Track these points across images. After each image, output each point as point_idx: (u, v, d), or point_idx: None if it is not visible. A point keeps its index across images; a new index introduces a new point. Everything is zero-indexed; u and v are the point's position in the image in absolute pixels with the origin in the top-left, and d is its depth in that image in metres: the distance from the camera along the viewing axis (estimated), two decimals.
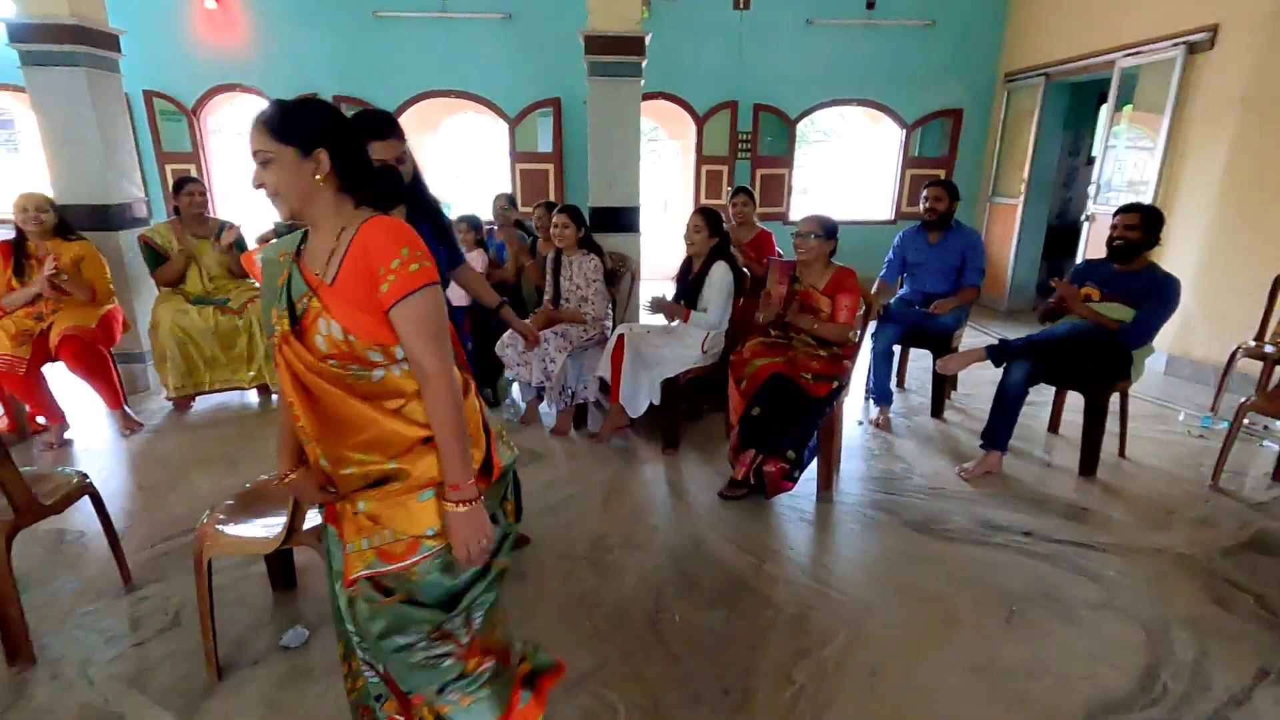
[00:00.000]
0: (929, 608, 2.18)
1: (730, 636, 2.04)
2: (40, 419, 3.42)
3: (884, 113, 7.09)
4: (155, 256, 3.73)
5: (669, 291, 3.50)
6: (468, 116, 7.69)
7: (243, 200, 7.14)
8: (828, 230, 2.85)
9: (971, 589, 2.27)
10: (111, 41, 3.89)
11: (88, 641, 2.01)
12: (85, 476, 2.13)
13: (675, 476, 3.12)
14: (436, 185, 2.23)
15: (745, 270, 3.61)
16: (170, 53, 6.38)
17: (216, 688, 1.83)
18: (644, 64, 3.86)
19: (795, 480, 2.68)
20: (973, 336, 5.35)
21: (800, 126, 7.16)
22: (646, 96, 4.09)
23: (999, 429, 3.04)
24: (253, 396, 4.02)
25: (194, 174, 6.62)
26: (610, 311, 3.68)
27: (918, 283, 3.81)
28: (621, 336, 3.26)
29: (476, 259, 4.20)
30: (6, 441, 1.87)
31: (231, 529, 1.84)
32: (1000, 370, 3.07)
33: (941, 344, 3.67)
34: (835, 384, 2.78)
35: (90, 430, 3.55)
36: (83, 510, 2.30)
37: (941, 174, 6.98)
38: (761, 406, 2.70)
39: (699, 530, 2.65)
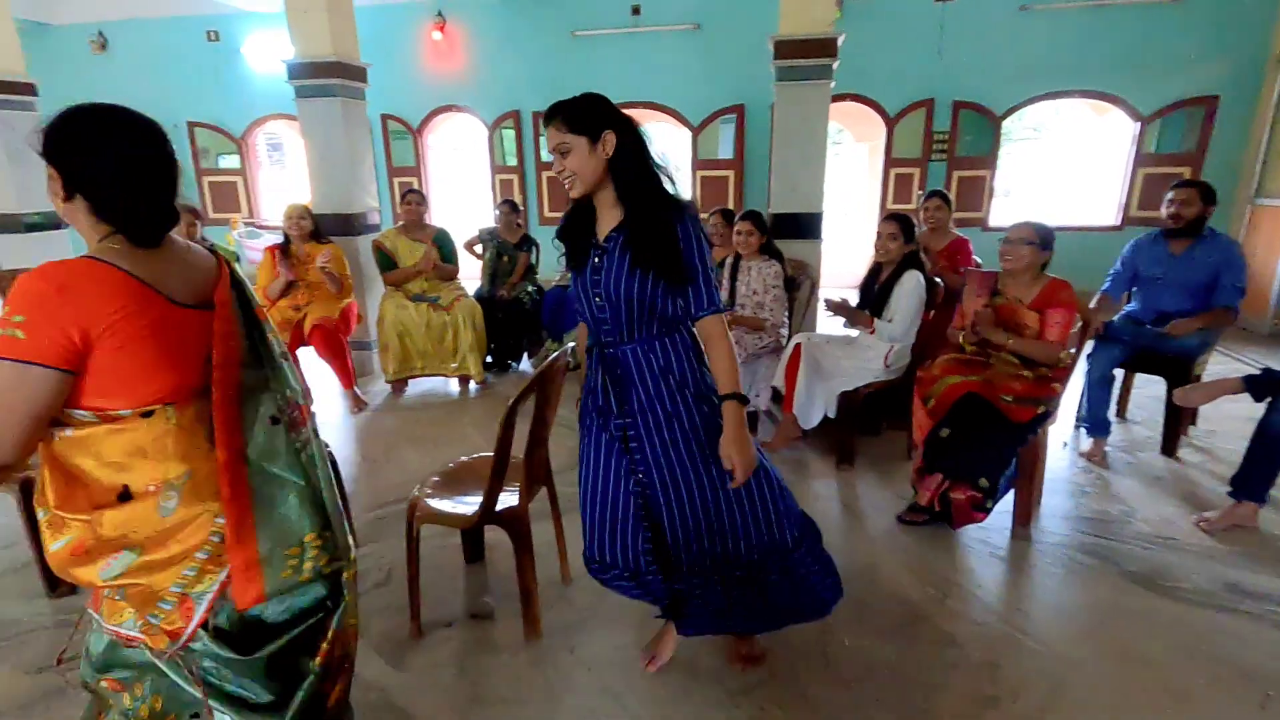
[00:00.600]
0: (1151, 676, 1.88)
1: (906, 671, 1.91)
2: None
3: (1113, 104, 6.25)
4: (385, 259, 4.29)
5: (847, 298, 3.35)
6: (651, 126, 7.96)
7: (455, 208, 7.98)
8: (1043, 239, 2.56)
9: (1209, 662, 1.93)
10: (361, 74, 4.53)
11: None
12: (327, 446, 2.50)
13: (849, 495, 2.98)
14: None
15: (937, 280, 3.37)
16: (402, 80, 7.30)
17: (418, 643, 2.06)
18: (835, 66, 3.74)
19: (987, 512, 2.44)
20: (1221, 363, 4.54)
21: (1006, 123, 6.53)
22: (834, 99, 3.96)
23: (1257, 476, 2.54)
24: (454, 385, 4.47)
25: (416, 185, 7.51)
26: (787, 319, 3.61)
27: (1151, 299, 3.29)
28: (799, 345, 3.19)
29: None
30: None
31: (437, 503, 2.06)
32: (1262, 406, 2.57)
33: (1178, 371, 3.14)
34: (1040, 409, 2.50)
35: (327, 406, 4.16)
36: None
37: (1186, 172, 6.01)
38: (951, 428, 2.50)
39: (873, 554, 2.51)
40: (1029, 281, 2.62)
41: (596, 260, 1.58)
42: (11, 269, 4.01)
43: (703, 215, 4.58)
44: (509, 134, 7.32)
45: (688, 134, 7.04)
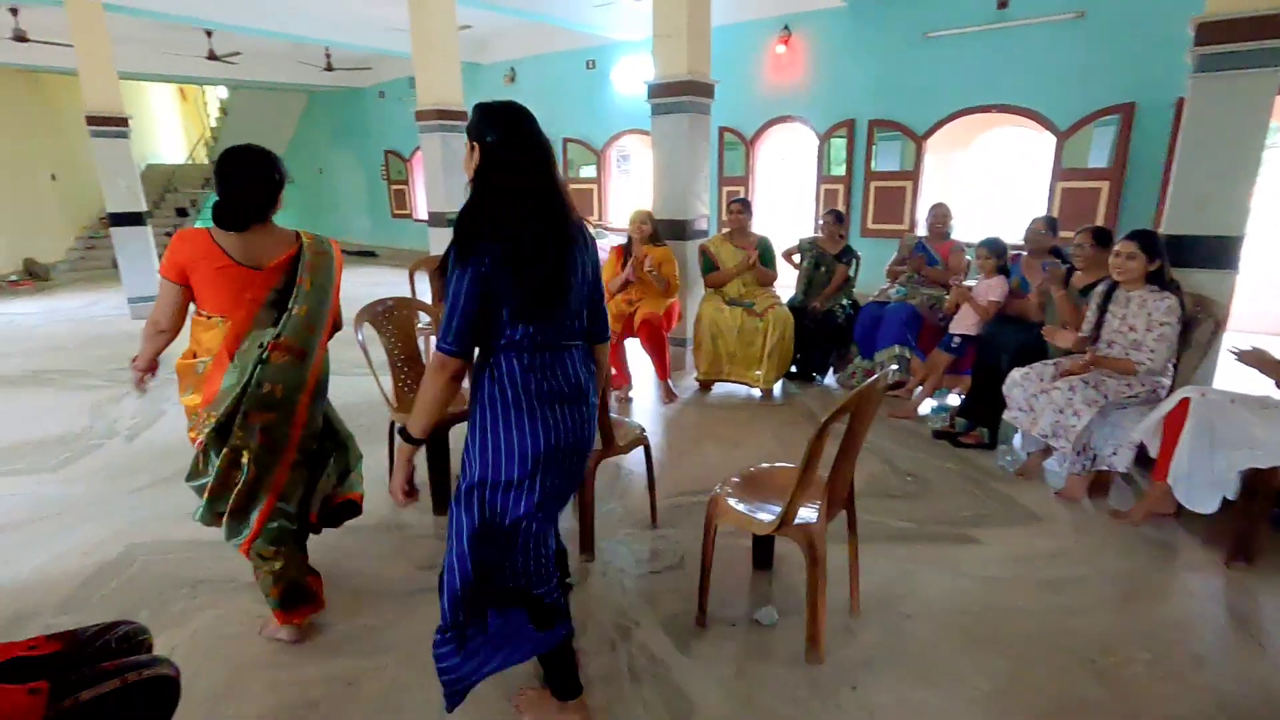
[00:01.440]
0: None
1: None
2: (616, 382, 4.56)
3: None
4: (708, 263, 4.55)
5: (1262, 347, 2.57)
6: (1004, 131, 7.08)
7: (778, 217, 8.13)
8: None
9: None
10: (709, 90, 4.86)
11: (625, 557, 2.60)
12: (643, 430, 2.74)
13: (1242, 602, 2.30)
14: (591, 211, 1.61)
15: None
16: (742, 94, 7.63)
17: (701, 633, 2.15)
18: None
19: None
20: None
21: None
22: None
23: None
24: (756, 391, 4.55)
25: (743, 194, 7.81)
26: (1172, 368, 2.92)
27: None
28: (1186, 400, 2.55)
29: (996, 286, 3.86)
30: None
31: (736, 504, 2.11)
32: None
33: None
34: None
35: (643, 393, 4.56)
36: (634, 455, 2.96)
37: None
38: None
39: (1279, 687, 1.89)
40: None
41: None
42: (437, 254, 5.20)
43: (1065, 233, 3.92)
44: (839, 143, 7.17)
45: (1050, 140, 6.10)
